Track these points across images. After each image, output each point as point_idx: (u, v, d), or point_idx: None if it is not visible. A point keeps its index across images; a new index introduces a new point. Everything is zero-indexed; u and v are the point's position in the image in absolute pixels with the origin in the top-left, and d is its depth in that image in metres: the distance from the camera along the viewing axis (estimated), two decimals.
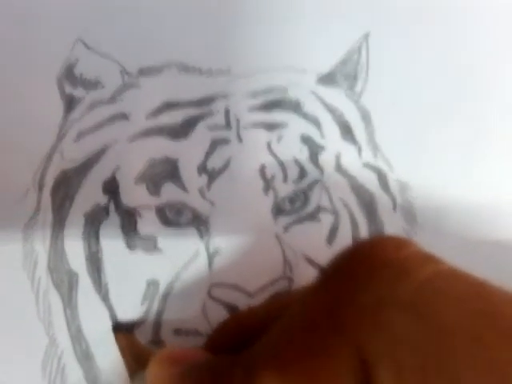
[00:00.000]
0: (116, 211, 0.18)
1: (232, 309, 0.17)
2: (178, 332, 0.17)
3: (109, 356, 0.17)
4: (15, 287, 0.17)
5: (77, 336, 0.17)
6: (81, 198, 0.18)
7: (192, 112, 0.18)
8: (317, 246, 0.19)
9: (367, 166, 0.19)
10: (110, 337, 0.17)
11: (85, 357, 0.17)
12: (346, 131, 0.18)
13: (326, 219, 0.18)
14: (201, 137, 0.18)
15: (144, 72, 0.19)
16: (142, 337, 0.17)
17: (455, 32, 0.19)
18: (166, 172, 0.18)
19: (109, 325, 0.17)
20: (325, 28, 0.19)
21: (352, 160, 0.19)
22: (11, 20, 0.19)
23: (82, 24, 0.19)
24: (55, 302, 0.17)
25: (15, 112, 0.18)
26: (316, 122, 0.18)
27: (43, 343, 0.17)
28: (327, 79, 0.19)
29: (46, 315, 0.17)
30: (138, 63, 0.19)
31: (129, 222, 0.17)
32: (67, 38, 0.19)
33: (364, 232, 0.19)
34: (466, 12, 0.19)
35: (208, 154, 0.18)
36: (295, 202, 0.18)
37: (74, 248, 0.17)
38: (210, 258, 0.17)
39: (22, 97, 0.19)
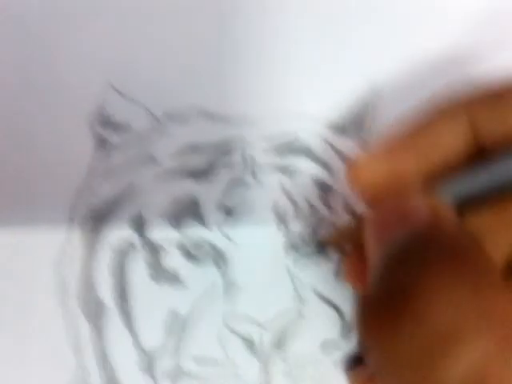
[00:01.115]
0: (142, 245, 0.19)
1: (246, 339, 0.19)
2: (196, 359, 0.19)
3: (133, 381, 0.18)
4: (47, 313, 0.18)
5: (103, 360, 0.18)
6: (109, 234, 0.19)
7: (212, 154, 0.20)
8: (325, 279, 0.20)
9: None
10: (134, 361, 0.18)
11: (110, 381, 0.18)
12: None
13: (334, 254, 0.20)
14: (220, 177, 0.19)
15: (169, 117, 0.20)
16: (162, 363, 0.19)
17: None
18: (188, 209, 0.19)
19: (132, 350, 0.18)
20: (335, 77, 0.20)
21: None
22: (49, 64, 0.21)
23: (114, 70, 0.21)
24: (83, 327, 0.18)
25: (48, 150, 0.20)
26: (326, 165, 0.20)
27: (71, 366, 0.18)
28: (336, 126, 0.20)
29: (74, 340, 0.18)
30: (164, 108, 0.20)
31: (153, 255, 0.19)
32: (100, 82, 0.21)
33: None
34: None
35: (226, 193, 0.19)
36: (305, 238, 0.19)
37: (102, 279, 0.19)
38: (226, 289, 0.19)
39: (55, 135, 0.20)
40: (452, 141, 0.13)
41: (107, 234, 0.19)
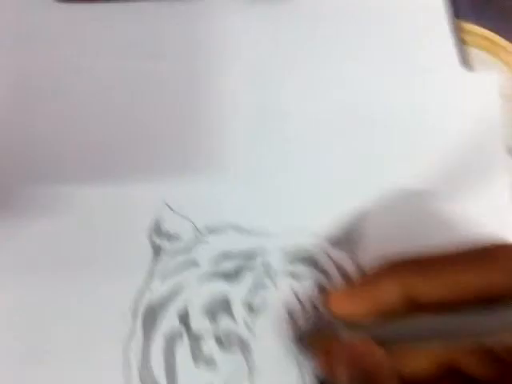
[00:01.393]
0: (187, 335, 0.24)
1: None
2: None
3: None
4: None
5: None
6: (162, 324, 0.25)
7: (241, 261, 0.25)
8: None
9: None
10: None
11: None
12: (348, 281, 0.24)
13: None
14: (247, 280, 0.25)
15: (210, 230, 0.26)
16: None
17: None
18: (222, 307, 0.24)
19: None
20: (335, 196, 0.25)
21: None
22: (110, 182, 0.27)
23: (169, 189, 0.27)
24: None
25: (117, 257, 0.26)
26: (327, 275, 0.24)
27: None
28: (334, 241, 0.25)
29: None
30: (206, 222, 0.26)
31: (196, 344, 0.24)
32: (156, 200, 0.27)
33: None
34: None
35: (251, 294, 0.24)
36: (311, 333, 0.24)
37: (158, 361, 0.24)
38: (250, 375, 0.23)
39: (121, 246, 0.26)
40: (390, 298, 0.18)
41: (161, 325, 0.25)
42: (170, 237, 0.26)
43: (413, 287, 0.18)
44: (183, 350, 0.24)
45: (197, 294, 0.25)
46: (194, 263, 0.25)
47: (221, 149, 0.27)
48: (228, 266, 0.25)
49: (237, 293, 0.24)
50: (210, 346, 0.24)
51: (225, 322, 0.24)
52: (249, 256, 0.25)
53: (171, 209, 0.26)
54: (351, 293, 0.19)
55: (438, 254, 0.18)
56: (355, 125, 0.28)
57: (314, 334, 0.23)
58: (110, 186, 0.27)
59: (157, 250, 0.26)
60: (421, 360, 0.19)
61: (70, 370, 0.24)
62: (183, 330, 0.24)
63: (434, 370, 0.19)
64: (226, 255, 0.25)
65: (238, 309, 0.24)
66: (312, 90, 0.28)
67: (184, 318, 0.24)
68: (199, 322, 0.24)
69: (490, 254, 0.17)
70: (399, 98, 0.28)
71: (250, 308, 0.24)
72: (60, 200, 0.27)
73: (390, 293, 0.18)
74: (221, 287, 0.25)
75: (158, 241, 0.26)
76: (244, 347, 0.24)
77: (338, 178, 0.26)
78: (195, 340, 0.24)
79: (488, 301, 0.17)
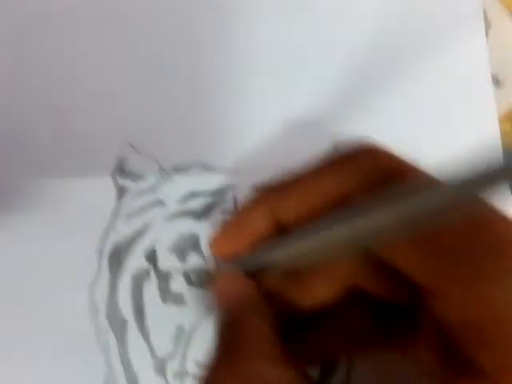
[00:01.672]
0: (155, 274, 0.24)
1: None
2: (199, 364, 0.23)
3: (149, 380, 0.23)
4: (83, 329, 0.23)
5: (127, 365, 0.23)
6: (129, 264, 0.24)
7: (210, 200, 0.25)
8: None
9: None
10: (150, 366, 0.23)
11: (132, 380, 0.23)
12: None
13: None
14: (216, 218, 0.24)
15: (176, 169, 0.25)
16: (172, 367, 0.23)
17: None
18: (190, 244, 0.24)
19: (149, 357, 0.23)
20: (301, 134, 0.25)
21: None
22: (75, 122, 0.26)
23: (132, 129, 0.26)
24: (112, 340, 0.23)
25: (80, 198, 0.25)
26: None
27: (104, 371, 0.23)
28: None
29: (105, 350, 0.23)
30: (172, 161, 0.25)
31: (164, 282, 0.24)
32: (119, 140, 0.26)
33: None
34: None
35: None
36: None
37: (125, 301, 0.24)
38: None
39: (85, 185, 0.25)
40: (260, 226, 0.18)
41: (128, 265, 0.24)
42: (134, 177, 0.25)
43: (278, 210, 0.17)
44: (151, 289, 0.24)
45: (164, 233, 0.24)
46: (160, 203, 0.25)
47: (187, 85, 0.26)
48: (196, 204, 0.24)
49: (205, 230, 0.24)
50: (178, 284, 0.24)
51: (193, 260, 0.24)
52: (218, 193, 0.24)
53: (135, 148, 0.25)
54: (225, 231, 0.18)
55: (301, 170, 0.17)
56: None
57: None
58: (72, 126, 0.26)
59: (121, 191, 0.25)
60: (321, 288, 0.19)
61: (34, 313, 0.23)
62: (151, 268, 0.24)
63: (336, 298, 0.19)
64: (194, 194, 0.24)
65: (207, 245, 0.24)
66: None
67: (151, 258, 0.24)
68: (167, 261, 0.24)
69: (348, 158, 0.16)
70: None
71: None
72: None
73: (260, 221, 0.17)
74: (189, 225, 0.24)
75: (122, 181, 0.25)
76: (213, 283, 0.23)
77: (303, 115, 0.26)
78: (163, 278, 0.24)
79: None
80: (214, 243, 0.19)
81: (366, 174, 0.16)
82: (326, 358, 0.21)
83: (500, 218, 0.14)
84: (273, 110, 0.26)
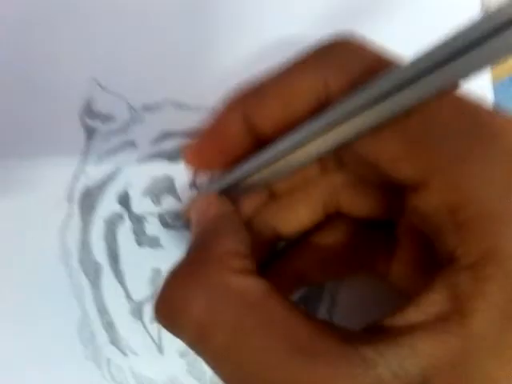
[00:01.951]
0: (128, 217, 0.23)
1: None
2: None
3: (125, 324, 0.23)
4: (56, 275, 0.23)
5: (102, 310, 0.23)
6: (101, 208, 0.23)
7: (184, 140, 0.24)
8: None
9: None
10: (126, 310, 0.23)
11: (108, 325, 0.23)
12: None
13: None
14: None
15: (146, 108, 0.24)
16: (148, 310, 0.23)
17: None
18: (165, 187, 0.23)
19: (124, 301, 0.23)
20: None
21: None
22: (37, 63, 0.24)
23: (98, 67, 0.24)
24: (85, 285, 0.22)
25: (47, 140, 0.24)
26: None
27: (78, 315, 0.22)
28: None
29: (78, 295, 0.22)
30: (142, 100, 0.24)
31: (138, 225, 0.23)
32: (86, 78, 0.24)
33: None
34: None
35: (196, 173, 0.23)
36: None
37: (98, 245, 0.23)
38: None
39: (51, 127, 0.24)
40: (233, 131, 0.16)
41: (100, 209, 0.23)
42: (103, 117, 0.24)
43: (252, 113, 0.16)
44: (125, 233, 0.23)
45: (137, 176, 0.23)
46: (132, 144, 0.23)
47: (156, 18, 0.25)
48: (170, 145, 0.23)
49: (180, 172, 0.23)
50: (153, 227, 0.23)
51: (169, 202, 0.23)
52: (191, 133, 0.23)
53: (102, 86, 0.24)
54: (198, 139, 0.17)
55: (277, 70, 0.16)
56: None
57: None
58: (35, 65, 0.24)
59: (90, 132, 0.24)
60: (302, 210, 0.19)
61: (4, 261, 0.23)
62: (124, 212, 0.23)
63: (316, 221, 0.19)
64: (167, 134, 0.23)
65: (183, 188, 0.23)
66: None
67: (124, 201, 0.23)
68: (141, 204, 0.23)
69: (324, 52, 0.15)
70: None
71: (195, 186, 0.23)
72: None
73: (233, 125, 0.16)
74: (163, 167, 0.23)
75: (90, 122, 0.24)
76: (189, 223, 0.23)
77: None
78: (137, 222, 0.23)
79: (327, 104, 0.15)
80: (188, 153, 0.18)
81: (346, 69, 0.14)
82: (308, 283, 0.21)
83: (478, 102, 0.14)
84: (251, 46, 0.24)
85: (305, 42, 0.16)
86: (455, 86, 0.13)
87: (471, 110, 0.13)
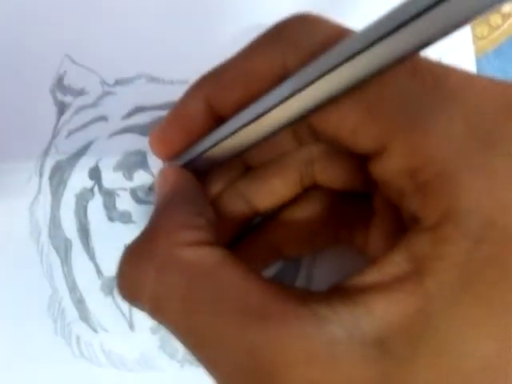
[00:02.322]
0: (99, 192, 0.23)
1: None
2: None
3: (96, 301, 0.22)
4: (24, 251, 0.22)
5: (72, 286, 0.22)
6: (72, 183, 0.23)
7: (157, 114, 0.23)
8: None
9: None
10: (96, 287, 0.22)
11: (79, 301, 0.22)
12: None
13: None
14: None
15: (119, 82, 0.24)
16: None
17: None
18: (137, 161, 0.23)
19: (95, 277, 0.23)
20: None
21: None
22: (8, 38, 0.24)
23: (70, 42, 0.24)
24: (55, 261, 0.22)
25: (18, 116, 0.23)
26: None
27: (47, 292, 0.22)
28: None
29: (48, 271, 0.22)
30: (115, 75, 0.24)
31: (109, 200, 0.23)
32: (57, 53, 0.24)
33: None
34: None
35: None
36: None
37: (68, 221, 0.23)
38: None
39: (22, 103, 0.24)
40: (195, 115, 0.16)
41: (70, 184, 0.23)
42: (74, 92, 0.23)
43: (213, 96, 0.16)
44: (96, 208, 0.23)
45: (108, 151, 0.23)
46: (103, 118, 0.23)
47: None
48: (142, 119, 0.23)
49: None
50: (125, 202, 0.22)
51: (141, 177, 0.23)
52: (165, 107, 0.23)
53: (74, 61, 0.24)
54: (162, 124, 0.17)
55: (237, 53, 0.16)
56: None
57: None
58: (8, 41, 0.24)
59: (61, 107, 0.23)
60: (279, 184, 0.19)
61: None
62: (95, 187, 0.23)
63: (293, 194, 0.19)
64: (140, 108, 0.23)
65: (155, 162, 0.22)
66: None
67: (95, 176, 0.23)
68: (112, 179, 0.23)
69: (280, 30, 0.15)
70: None
71: None
72: None
73: (194, 107, 0.16)
74: (135, 141, 0.23)
75: (61, 97, 0.23)
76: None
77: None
78: (108, 197, 0.23)
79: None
80: (153, 140, 0.18)
81: (302, 44, 0.14)
82: (285, 255, 0.21)
83: (433, 62, 0.14)
84: (226, 20, 0.24)
85: None
86: (412, 52, 0.12)
87: (425, 69, 0.13)
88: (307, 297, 0.13)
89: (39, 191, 0.23)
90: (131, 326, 0.22)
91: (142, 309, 0.15)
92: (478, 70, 0.25)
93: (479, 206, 0.11)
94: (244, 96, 0.15)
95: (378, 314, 0.12)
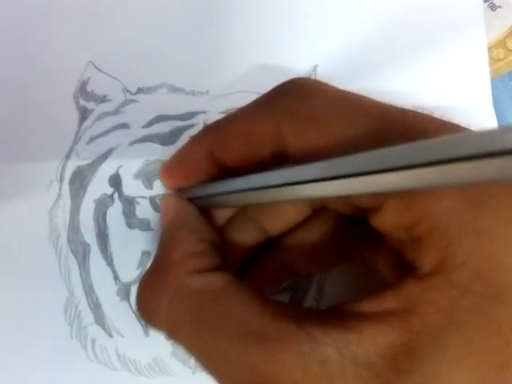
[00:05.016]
0: (119, 199, 0.23)
1: None
2: None
3: (112, 305, 0.23)
4: (43, 254, 0.22)
5: (89, 290, 0.23)
6: (92, 189, 0.23)
7: (178, 124, 0.24)
8: None
9: None
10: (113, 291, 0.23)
11: (95, 305, 0.23)
12: None
13: None
14: (184, 141, 0.23)
15: (141, 90, 0.24)
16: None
17: None
18: (157, 170, 0.23)
19: (112, 282, 0.23)
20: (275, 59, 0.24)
21: None
22: (36, 44, 0.24)
23: (94, 49, 0.24)
24: (73, 265, 0.22)
25: (41, 120, 0.24)
26: None
27: (64, 295, 0.22)
28: None
29: (66, 275, 0.22)
30: (137, 83, 0.24)
31: (129, 207, 0.23)
32: (82, 60, 0.24)
33: None
34: None
35: None
36: None
37: (87, 226, 0.23)
38: None
39: (45, 107, 0.24)
40: (199, 163, 0.18)
41: (91, 189, 0.23)
42: (96, 98, 0.24)
43: (215, 148, 0.17)
44: (115, 214, 0.23)
45: (129, 158, 0.23)
46: (125, 125, 0.23)
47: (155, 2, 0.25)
48: (163, 128, 0.23)
49: None
50: (144, 210, 0.23)
51: (160, 186, 0.23)
52: (186, 118, 0.23)
53: (98, 68, 0.24)
54: (169, 162, 0.19)
55: (239, 112, 0.17)
56: None
57: None
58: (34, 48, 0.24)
59: (83, 113, 0.24)
60: (290, 210, 0.19)
61: None
62: (115, 194, 0.23)
63: (303, 216, 0.20)
64: (161, 117, 0.23)
65: None
66: None
67: (115, 183, 0.23)
68: (132, 187, 0.23)
69: (279, 97, 0.16)
70: None
71: None
72: None
73: (198, 156, 0.18)
74: (155, 150, 0.23)
75: (84, 102, 0.24)
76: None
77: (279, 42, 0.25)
78: (128, 204, 0.23)
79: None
80: (162, 174, 0.19)
81: (299, 114, 0.15)
82: (297, 274, 0.21)
83: (415, 112, 0.14)
84: (246, 35, 0.25)
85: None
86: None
87: (415, 129, 0.14)
88: (304, 318, 0.14)
89: (59, 196, 0.23)
90: (146, 331, 0.22)
91: (159, 331, 0.16)
92: (492, 91, 0.25)
93: (467, 261, 0.13)
94: (244, 151, 0.16)
95: (367, 340, 0.13)
